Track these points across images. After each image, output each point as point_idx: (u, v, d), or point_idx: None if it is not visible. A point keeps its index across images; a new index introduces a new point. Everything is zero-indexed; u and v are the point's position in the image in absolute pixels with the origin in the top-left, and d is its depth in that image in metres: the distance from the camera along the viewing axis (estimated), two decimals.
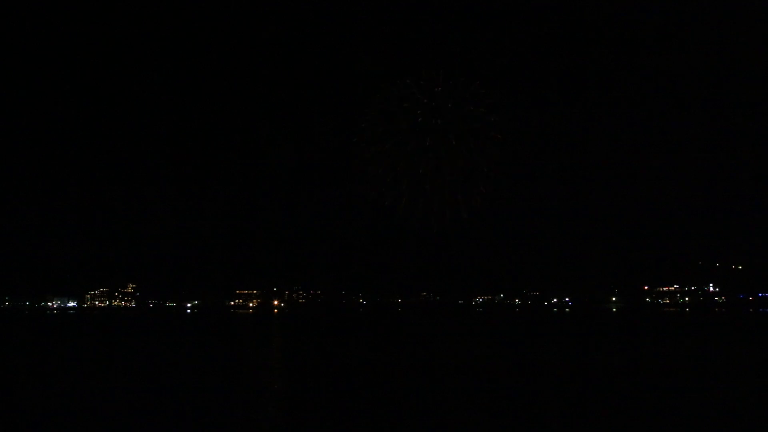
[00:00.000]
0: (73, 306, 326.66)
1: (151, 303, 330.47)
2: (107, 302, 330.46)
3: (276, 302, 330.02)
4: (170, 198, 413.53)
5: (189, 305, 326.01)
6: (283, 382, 37.18)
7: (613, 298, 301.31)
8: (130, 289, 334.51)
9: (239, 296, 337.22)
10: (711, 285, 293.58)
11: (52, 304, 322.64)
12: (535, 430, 23.83)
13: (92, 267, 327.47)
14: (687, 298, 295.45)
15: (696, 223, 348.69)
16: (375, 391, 32.69)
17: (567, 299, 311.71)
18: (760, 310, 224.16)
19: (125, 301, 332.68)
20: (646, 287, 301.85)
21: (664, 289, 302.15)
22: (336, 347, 62.34)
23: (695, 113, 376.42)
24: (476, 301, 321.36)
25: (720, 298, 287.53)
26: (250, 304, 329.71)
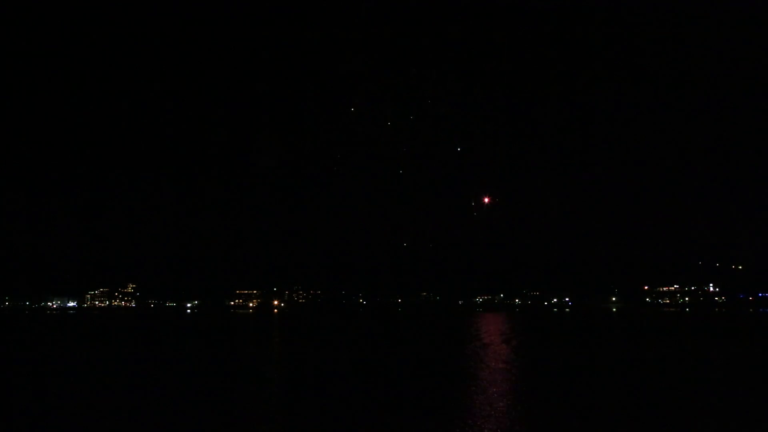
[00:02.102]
0: (73, 306, 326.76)
1: (152, 303, 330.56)
2: (107, 302, 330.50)
3: (276, 302, 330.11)
4: (170, 198, 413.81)
5: (189, 305, 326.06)
6: (281, 382, 37.17)
7: (613, 298, 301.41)
8: (130, 289, 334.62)
9: (239, 296, 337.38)
10: (711, 285, 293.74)
11: (52, 304, 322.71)
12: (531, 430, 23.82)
13: (92, 267, 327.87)
14: (687, 298, 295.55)
15: (696, 223, 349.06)
16: (376, 390, 32.67)
17: (567, 299, 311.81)
18: (760, 310, 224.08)
19: (125, 301, 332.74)
20: (646, 287, 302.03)
21: (664, 289, 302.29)
22: (336, 347, 62.34)
23: (695, 113, 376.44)
24: (476, 301, 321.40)
25: (720, 298, 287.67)
26: (250, 304, 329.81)
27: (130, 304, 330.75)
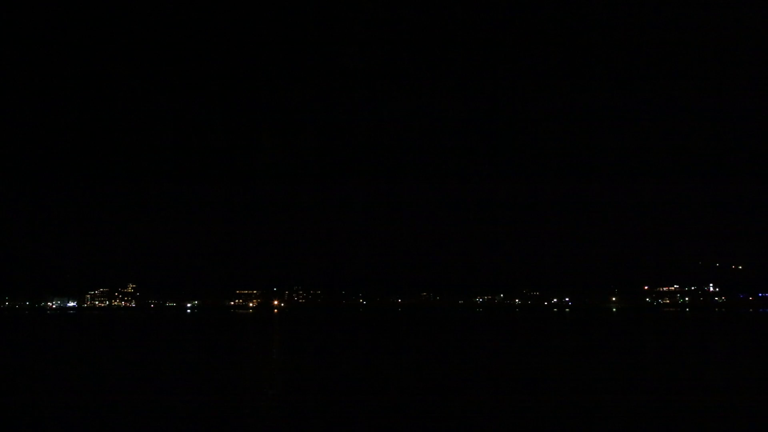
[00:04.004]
0: (73, 306, 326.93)
1: (152, 303, 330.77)
2: (107, 302, 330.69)
3: (276, 302, 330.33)
4: (170, 198, 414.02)
5: (189, 305, 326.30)
6: (280, 384, 37.13)
7: (613, 298, 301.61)
8: (130, 289, 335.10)
9: (239, 296, 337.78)
10: (711, 285, 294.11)
11: (52, 304, 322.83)
12: None
13: (92, 267, 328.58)
14: (687, 298, 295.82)
15: (696, 223, 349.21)
16: (377, 397, 32.61)
17: (567, 299, 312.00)
18: (760, 310, 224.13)
19: (125, 301, 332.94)
20: (646, 287, 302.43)
21: (664, 289, 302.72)
22: (336, 349, 62.28)
23: (695, 113, 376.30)
24: (476, 301, 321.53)
25: (720, 298, 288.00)
26: (250, 304, 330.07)
27: (130, 304, 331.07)
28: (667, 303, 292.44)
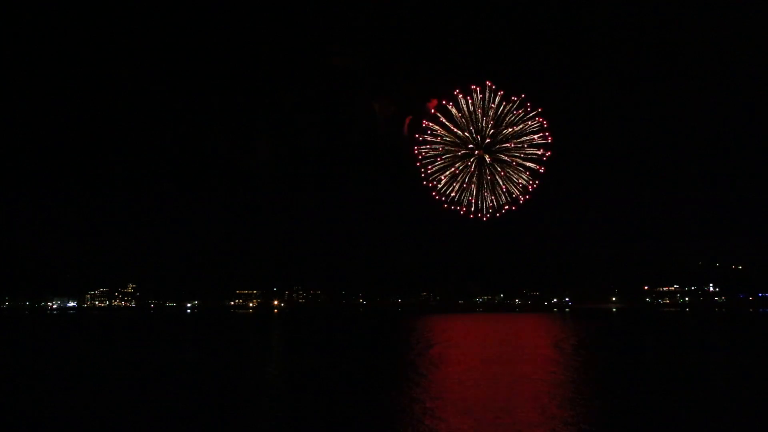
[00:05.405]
0: (73, 306, 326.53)
1: (152, 303, 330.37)
2: (107, 302, 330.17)
3: (276, 302, 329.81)
4: (170, 198, 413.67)
5: (189, 305, 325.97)
6: (280, 384, 37.14)
7: (613, 298, 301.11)
8: (130, 289, 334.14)
9: (239, 296, 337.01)
10: (711, 285, 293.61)
11: (52, 304, 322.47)
12: None
13: (92, 267, 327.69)
14: (687, 298, 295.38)
15: (696, 223, 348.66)
16: (373, 395, 32.62)
17: (567, 299, 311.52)
18: (760, 310, 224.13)
19: (125, 301, 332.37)
20: (646, 287, 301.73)
21: (664, 289, 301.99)
22: (335, 350, 62.28)
23: (695, 113, 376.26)
24: (476, 301, 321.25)
25: (720, 298, 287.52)
26: (250, 304, 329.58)
27: (130, 304, 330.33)
28: (667, 303, 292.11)
